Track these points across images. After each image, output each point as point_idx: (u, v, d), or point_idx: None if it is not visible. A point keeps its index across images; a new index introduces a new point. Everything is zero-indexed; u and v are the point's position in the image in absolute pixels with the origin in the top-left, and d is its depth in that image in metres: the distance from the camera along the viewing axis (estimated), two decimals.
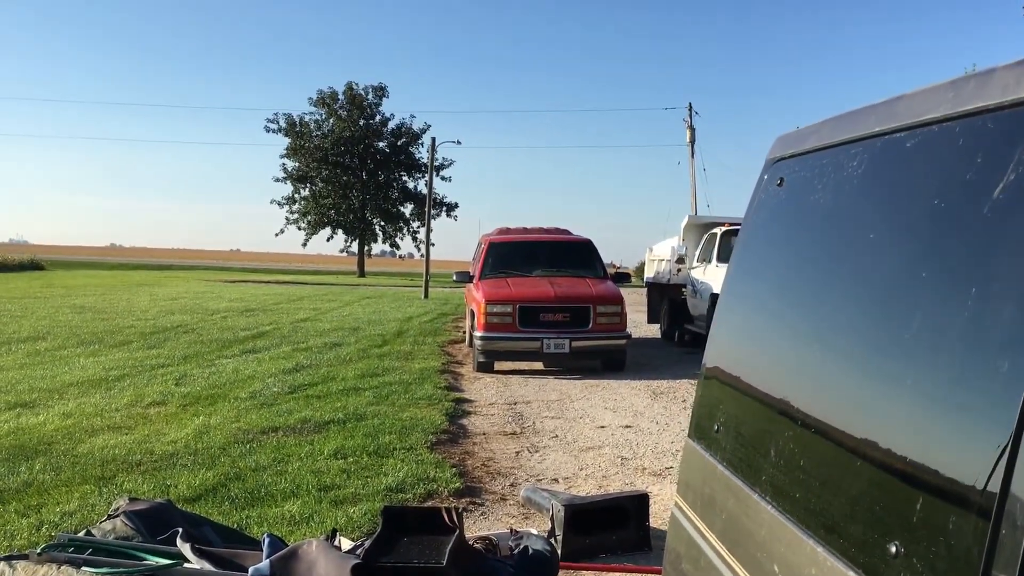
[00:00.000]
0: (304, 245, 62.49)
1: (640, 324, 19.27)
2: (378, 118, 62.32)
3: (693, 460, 1.94)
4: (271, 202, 62.55)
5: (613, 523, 5.16)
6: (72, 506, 5.35)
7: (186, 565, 3.67)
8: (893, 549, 1.13)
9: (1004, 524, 0.94)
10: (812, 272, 1.64)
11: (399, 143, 62.49)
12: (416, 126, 62.71)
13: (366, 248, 63.86)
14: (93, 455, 6.69)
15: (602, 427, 8.69)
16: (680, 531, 1.93)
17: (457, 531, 3.86)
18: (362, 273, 61.24)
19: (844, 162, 1.56)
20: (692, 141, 43.83)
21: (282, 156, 61.22)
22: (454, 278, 15.29)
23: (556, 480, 6.63)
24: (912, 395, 1.19)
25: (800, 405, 1.49)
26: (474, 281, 14.02)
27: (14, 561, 3.46)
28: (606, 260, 15.31)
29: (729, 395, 1.85)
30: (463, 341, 15.58)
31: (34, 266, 57.06)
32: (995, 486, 0.96)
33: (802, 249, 1.71)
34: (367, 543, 3.84)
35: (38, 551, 3.53)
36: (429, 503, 5.74)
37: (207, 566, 3.68)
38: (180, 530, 3.93)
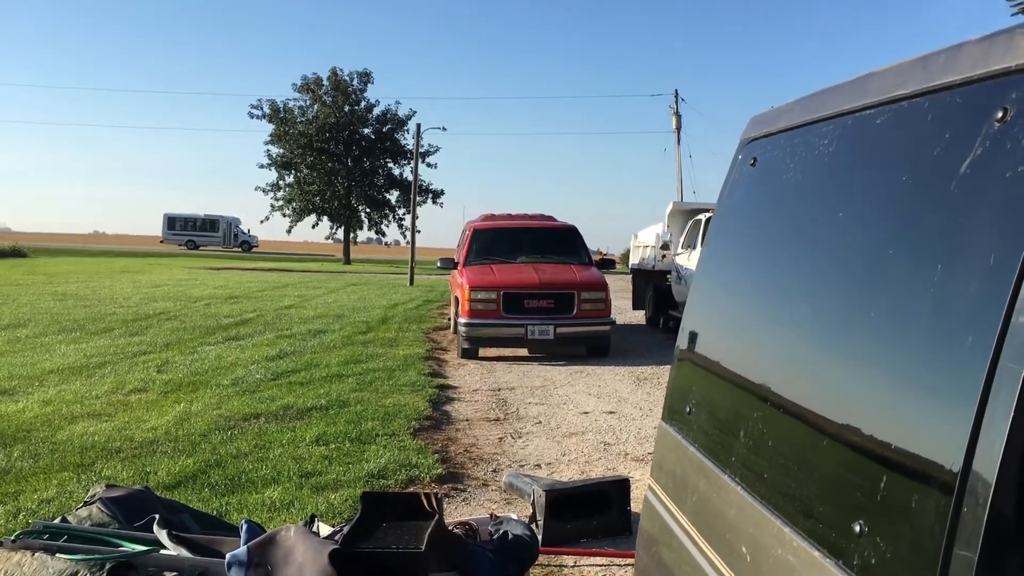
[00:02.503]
0: (289, 232, 62.17)
1: (625, 311, 19.30)
2: (363, 104, 61.94)
3: (666, 442, 1.93)
4: (256, 189, 62.19)
5: (594, 508, 5.17)
6: (50, 493, 5.31)
7: (162, 551, 3.65)
8: (857, 528, 1.12)
9: (966, 502, 0.93)
10: (783, 253, 1.63)
11: (384, 129, 62.16)
12: (401, 112, 62.40)
13: (352, 235, 63.61)
14: (72, 442, 6.64)
15: (586, 413, 8.69)
16: (653, 514, 1.92)
17: (436, 516, 3.85)
18: (348, 260, 61.01)
19: (815, 141, 1.54)
20: (678, 128, 43.87)
21: (266, 142, 60.81)
22: (438, 265, 15.26)
23: (539, 466, 6.63)
24: (877, 376, 1.18)
25: (769, 386, 1.48)
26: (458, 268, 13.99)
27: None
28: (593, 247, 15.30)
29: (701, 377, 1.84)
30: (448, 328, 15.56)
31: (16, 253, 56.51)
32: (957, 466, 0.95)
33: (774, 229, 1.70)
34: (345, 529, 3.82)
35: (12, 538, 3.49)
36: (411, 489, 5.73)
37: (183, 552, 3.66)
38: (157, 516, 3.91)
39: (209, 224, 71.70)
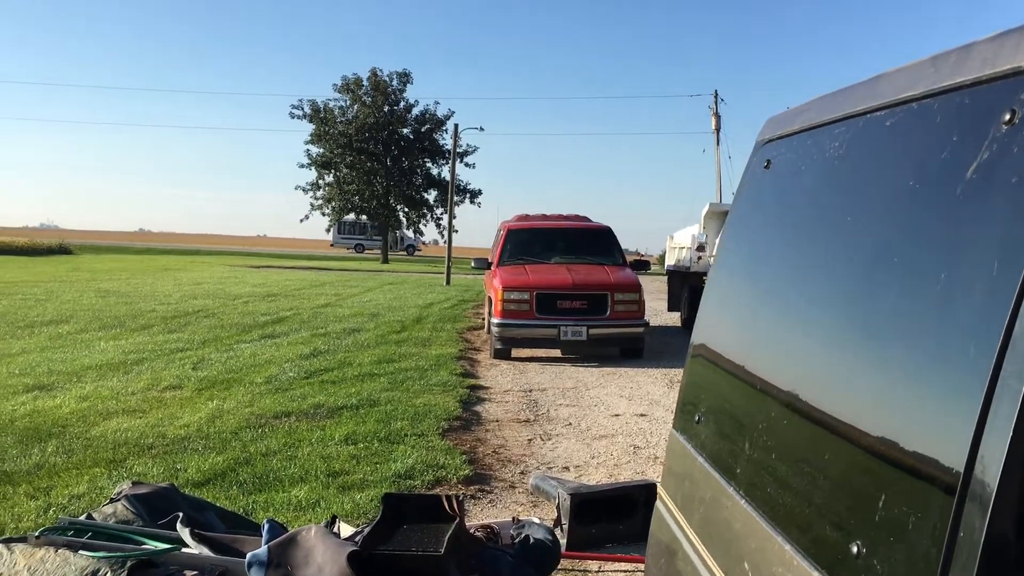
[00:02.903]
0: (328, 231, 62.66)
1: (660, 312, 19.16)
2: (402, 104, 62.25)
3: (676, 451, 1.88)
4: (296, 188, 62.76)
5: (621, 512, 5.11)
6: (81, 489, 5.37)
7: (184, 550, 3.67)
8: (855, 549, 1.07)
9: (963, 527, 0.88)
10: (792, 258, 1.58)
11: (423, 129, 62.42)
12: (440, 112, 62.62)
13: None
14: (106, 438, 6.72)
15: (616, 415, 8.63)
16: (662, 524, 1.87)
17: (457, 519, 3.82)
18: (386, 259, 61.36)
19: (827, 143, 1.49)
20: (717, 128, 43.50)
21: (307, 142, 61.38)
22: (472, 265, 15.25)
23: (567, 468, 6.59)
24: (880, 389, 1.13)
25: (776, 397, 1.43)
26: (492, 268, 13.97)
27: (12, 544, 3.46)
28: (631, 249, 15.25)
29: (710, 385, 1.79)
30: (482, 328, 15.55)
31: (62, 250, 57.71)
32: (953, 490, 0.90)
33: (785, 233, 1.65)
34: (366, 530, 3.81)
35: (36, 534, 3.53)
36: (438, 490, 5.72)
37: (205, 551, 3.67)
38: (180, 515, 3.93)
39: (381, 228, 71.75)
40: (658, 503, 1.97)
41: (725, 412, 1.68)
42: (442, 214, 61.19)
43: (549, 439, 7.52)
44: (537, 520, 4.38)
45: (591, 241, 14.42)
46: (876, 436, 1.09)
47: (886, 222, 1.23)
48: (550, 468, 6.54)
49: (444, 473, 6.10)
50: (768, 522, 1.34)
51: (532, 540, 3.99)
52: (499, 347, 12.48)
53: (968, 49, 1.14)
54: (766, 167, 1.78)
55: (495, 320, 12.44)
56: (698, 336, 1.92)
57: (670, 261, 19.45)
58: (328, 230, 62.42)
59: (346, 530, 4.11)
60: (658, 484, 2.00)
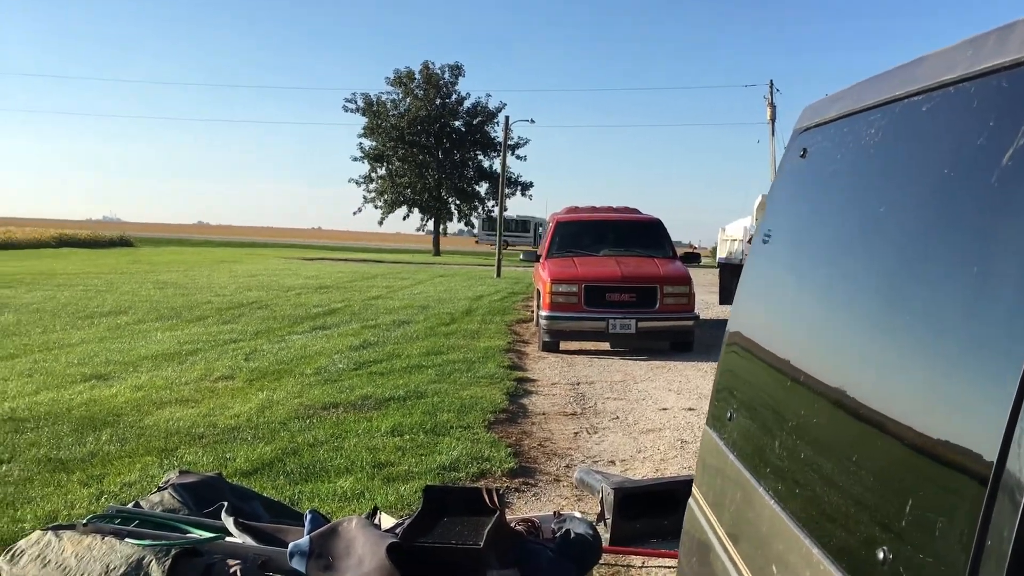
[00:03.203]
0: (380, 223, 63.17)
1: (712, 305, 18.95)
2: (454, 97, 62.48)
3: (708, 448, 1.84)
4: (349, 181, 63.39)
5: (665, 508, 5.05)
6: (132, 477, 5.48)
7: (228, 539, 3.71)
8: (881, 555, 1.02)
9: (991, 534, 0.83)
10: (829, 248, 1.52)
11: (475, 122, 62.56)
12: (491, 105, 62.70)
13: (441, 227, 64.25)
14: (158, 427, 6.85)
15: (664, 409, 8.54)
16: (694, 521, 1.83)
17: (498, 512, 3.81)
18: (437, 252, 61.68)
19: (863, 130, 1.43)
20: (773, 119, 42.82)
21: (359, 135, 61.92)
22: (521, 257, 15.23)
23: (613, 462, 6.54)
24: (914, 387, 1.08)
25: (806, 394, 1.38)
26: (541, 260, 13.93)
27: (61, 531, 3.54)
28: (684, 241, 15.08)
29: (742, 382, 1.74)
30: (531, 320, 15.53)
31: (124, 243, 59.19)
32: (981, 496, 0.85)
33: (822, 222, 1.59)
34: (406, 522, 3.82)
35: (84, 522, 3.60)
36: (482, 483, 5.72)
37: (248, 540, 3.71)
38: (226, 504, 3.98)
39: (521, 224, 71.95)
40: (691, 500, 1.93)
41: (756, 409, 1.64)
42: (493, 206, 61.30)
43: (595, 432, 7.48)
44: (578, 514, 4.34)
45: (641, 233, 14.29)
46: (905, 437, 1.04)
47: (924, 210, 1.18)
48: (596, 462, 6.50)
49: (489, 466, 6.09)
50: (796, 524, 1.29)
51: (573, 535, 3.96)
52: (547, 340, 12.44)
53: (1009, 29, 1.07)
54: (802, 156, 1.72)
55: (543, 313, 12.40)
56: (731, 331, 1.87)
57: (721, 253, 19.24)
58: (380, 223, 62.78)
59: (387, 521, 4.12)
60: (693, 483, 1.96)
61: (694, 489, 1.92)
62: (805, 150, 1.72)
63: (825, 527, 1.20)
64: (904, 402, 1.08)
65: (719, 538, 1.64)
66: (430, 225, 64.06)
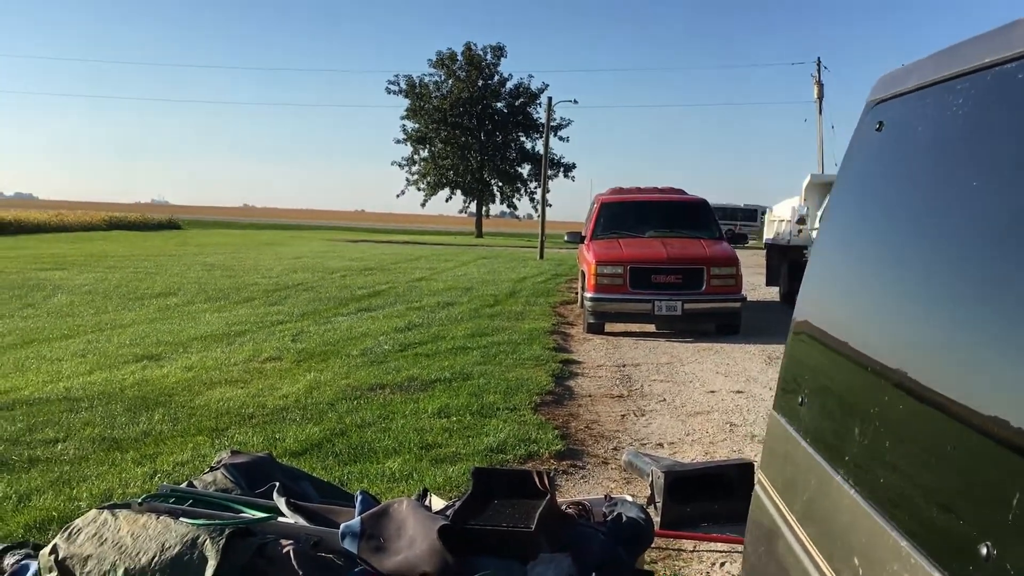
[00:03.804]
0: (423, 205, 63.43)
1: (758, 287, 18.71)
2: (496, 78, 62.38)
3: (776, 433, 1.77)
4: (392, 163, 63.64)
5: (716, 491, 4.98)
6: (185, 456, 5.54)
7: (280, 519, 3.72)
8: (984, 551, 0.96)
9: None
10: (911, 226, 1.45)
11: (517, 103, 62.41)
12: (534, 86, 62.49)
13: (484, 209, 64.30)
14: (209, 407, 6.92)
15: (712, 392, 8.45)
16: (762, 508, 1.77)
17: (548, 495, 3.78)
18: (480, 233, 61.74)
19: (949, 100, 1.35)
20: (820, 97, 42.14)
21: (402, 118, 62.10)
22: (565, 239, 15.15)
23: (661, 445, 6.47)
24: (1012, 371, 1.01)
25: (891, 379, 1.31)
26: (585, 242, 13.84)
27: (117, 510, 3.57)
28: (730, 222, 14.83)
29: (815, 364, 1.67)
30: (575, 302, 15.46)
31: (172, 225, 60.14)
32: None
33: (902, 198, 1.52)
34: (457, 504, 3.80)
35: (139, 501, 3.64)
36: (529, 465, 5.69)
37: (300, 521, 3.72)
38: (277, 484, 3.99)
39: (748, 213, 71.32)
40: (757, 486, 1.87)
41: (832, 394, 1.57)
42: (536, 188, 61.18)
43: (643, 415, 7.41)
44: (630, 498, 4.30)
45: (686, 214, 14.12)
46: (1009, 424, 0.97)
47: (1017, 185, 1.10)
48: (643, 444, 6.44)
49: (536, 448, 6.06)
50: (881, 515, 1.23)
51: (625, 518, 3.91)
52: (592, 322, 12.37)
53: None
54: (878, 129, 1.65)
55: (588, 294, 12.32)
56: (801, 312, 1.80)
57: (768, 234, 18.94)
58: (423, 204, 62.94)
59: (437, 503, 4.11)
60: (756, 467, 1.89)
61: (760, 474, 1.86)
62: (881, 123, 1.64)
63: (917, 519, 1.14)
64: (1007, 387, 1.02)
65: (790, 525, 1.58)
66: (472, 207, 64.14)
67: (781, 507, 1.66)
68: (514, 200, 64.15)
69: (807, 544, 1.48)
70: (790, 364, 1.83)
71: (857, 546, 1.29)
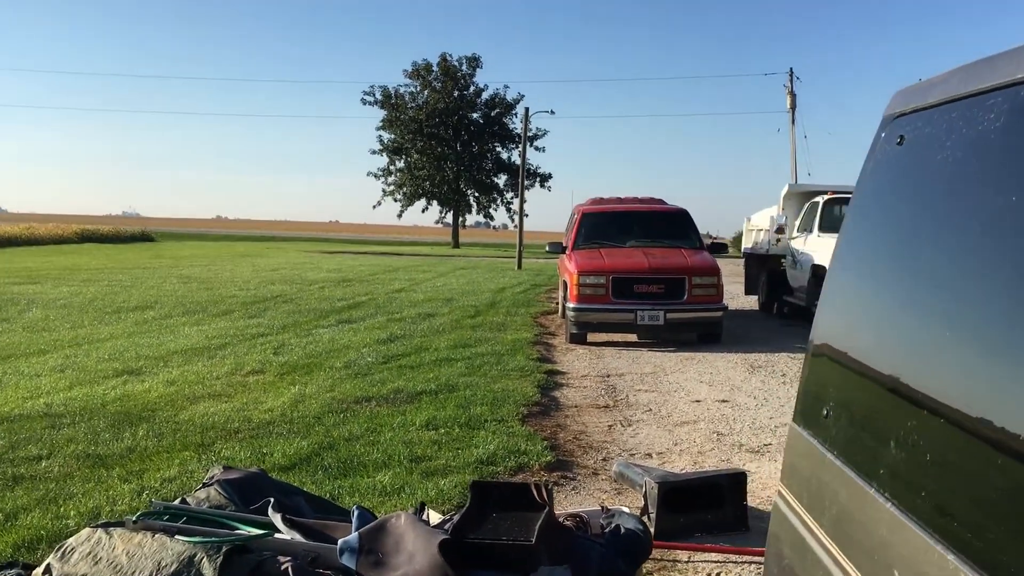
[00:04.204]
0: (399, 216, 63.29)
1: (737, 296, 18.83)
2: (472, 89, 62.49)
3: (798, 447, 1.78)
4: (368, 174, 63.50)
5: (709, 501, 4.99)
6: (172, 472, 5.47)
7: (277, 535, 3.68)
8: None
9: None
10: (938, 240, 1.46)
11: (493, 114, 62.54)
12: (510, 96, 62.64)
13: (460, 219, 64.29)
14: (194, 422, 6.85)
15: (697, 401, 8.47)
16: (784, 522, 1.77)
17: (547, 508, 3.77)
18: (456, 244, 61.72)
19: (978, 115, 1.37)
20: (793, 107, 42.49)
21: (378, 128, 62.01)
22: (547, 249, 15.16)
23: (650, 455, 6.48)
24: None
25: (927, 390, 1.32)
26: (567, 252, 13.86)
27: (111, 528, 3.52)
28: (702, 230, 14.92)
29: (841, 377, 1.68)
30: (556, 312, 15.47)
31: (145, 238, 59.65)
32: None
33: (926, 213, 1.53)
34: (455, 518, 3.78)
35: (134, 519, 3.58)
36: (520, 477, 5.68)
37: (297, 537, 3.69)
38: (272, 500, 3.95)
39: None
40: (778, 499, 1.87)
41: (862, 407, 1.57)
42: (512, 198, 61.27)
43: (630, 425, 7.42)
44: (627, 509, 4.29)
45: (667, 224, 14.19)
46: None
47: None
48: (632, 455, 6.44)
49: (526, 459, 6.05)
50: (923, 528, 1.23)
51: (623, 530, 3.91)
52: (575, 332, 12.38)
53: None
54: (899, 143, 1.66)
55: (571, 305, 12.34)
56: (822, 325, 1.80)
57: (747, 243, 19.09)
58: (399, 215, 62.76)
59: (434, 517, 4.09)
60: (779, 482, 1.89)
61: (781, 488, 1.86)
62: (902, 137, 1.65)
63: (962, 531, 1.15)
64: None
65: (819, 540, 1.58)
66: (448, 217, 64.10)
67: (807, 520, 1.66)
68: (490, 210, 64.21)
69: (839, 558, 1.48)
70: (812, 377, 1.84)
71: (897, 559, 1.29)
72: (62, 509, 4.76)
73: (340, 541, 3.56)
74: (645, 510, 4.90)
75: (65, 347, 10.67)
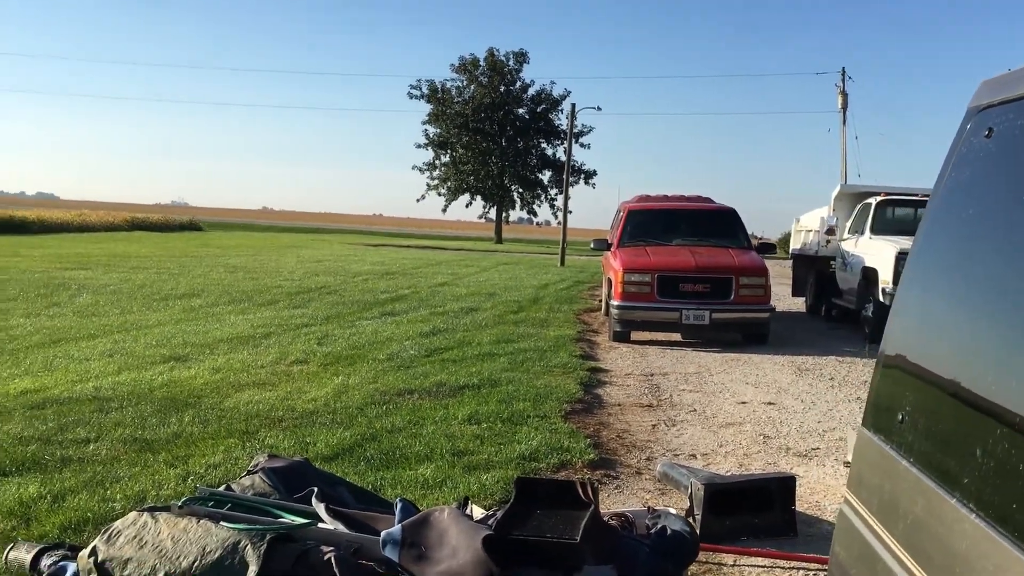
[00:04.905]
0: (444, 211, 63.50)
1: (784, 297, 18.57)
2: (518, 84, 62.43)
3: (869, 453, 1.70)
4: (412, 168, 63.75)
5: (755, 505, 4.90)
6: (217, 459, 5.50)
7: (320, 525, 3.68)
8: None
9: None
10: None
11: (539, 109, 62.43)
12: (556, 92, 62.49)
13: (504, 215, 64.31)
14: (238, 409, 6.89)
15: (743, 403, 8.34)
16: (851, 530, 1.70)
17: (592, 506, 3.71)
18: (499, 239, 61.74)
19: None
20: (844, 107, 41.76)
21: (424, 122, 62.22)
22: (592, 246, 15.06)
23: (694, 456, 6.39)
24: None
25: (1020, 398, 1.24)
26: (612, 249, 13.76)
27: (157, 513, 3.53)
28: (749, 231, 14.71)
29: (919, 382, 1.60)
30: (599, 310, 15.37)
31: (193, 227, 60.55)
32: None
33: (1019, 210, 1.44)
34: (499, 513, 3.74)
35: (179, 504, 3.60)
36: (563, 474, 5.62)
37: (340, 527, 3.67)
38: (316, 489, 3.94)
39: None
40: (845, 506, 1.79)
41: (943, 413, 1.49)
42: (556, 195, 61.18)
43: (674, 425, 7.33)
44: (673, 511, 4.22)
45: (715, 223, 14.01)
46: None
47: None
48: (676, 455, 6.35)
49: (569, 457, 5.99)
50: (1015, 544, 1.15)
51: (669, 531, 3.84)
52: (618, 330, 12.28)
53: None
54: (987, 136, 1.57)
55: (615, 302, 12.23)
56: (897, 327, 1.72)
57: (795, 244, 18.80)
58: (444, 210, 63.00)
59: (477, 512, 4.05)
60: (846, 488, 1.82)
61: (848, 495, 1.79)
62: (991, 129, 1.56)
63: None
64: None
65: (890, 550, 1.51)
66: (492, 213, 64.16)
67: (878, 530, 1.58)
68: (534, 206, 64.15)
69: (913, 569, 1.41)
70: (885, 382, 1.75)
71: (982, 573, 1.22)
72: (108, 492, 4.80)
73: (383, 533, 3.53)
74: (690, 512, 4.81)
75: (114, 332, 10.83)
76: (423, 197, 63.99)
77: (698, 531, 4.61)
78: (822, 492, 5.60)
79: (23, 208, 55.76)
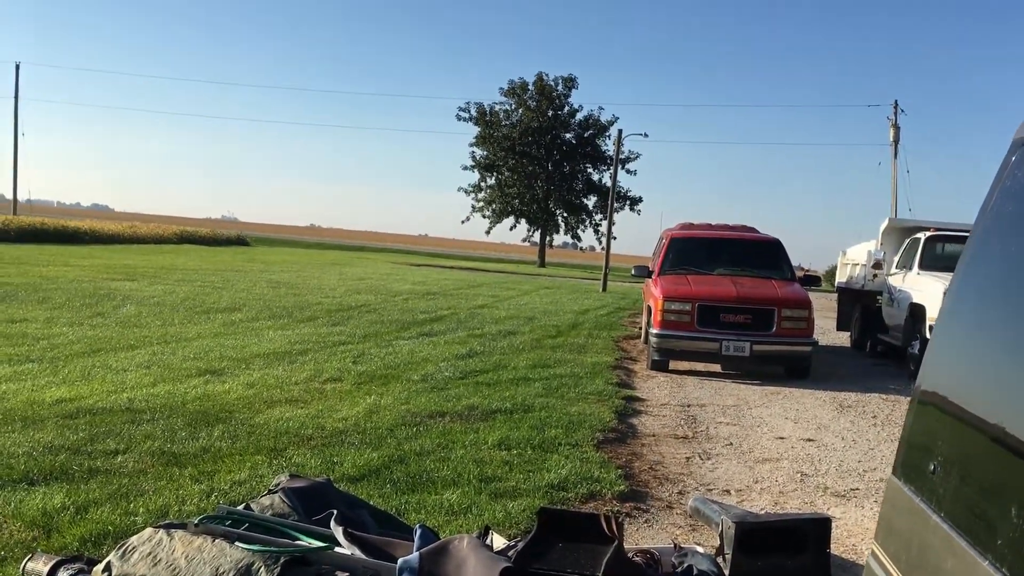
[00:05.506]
0: (488, 233, 63.67)
1: (828, 331, 18.22)
2: (566, 109, 62.54)
3: (898, 503, 1.59)
4: (458, 190, 64.10)
5: (788, 546, 4.72)
6: (242, 475, 5.47)
7: (337, 549, 3.61)
8: None
9: None
10: None
11: (586, 135, 62.48)
12: (604, 118, 62.47)
13: (548, 239, 64.28)
14: (268, 426, 6.87)
15: (781, 438, 8.14)
16: None
17: (616, 541, 3.59)
18: (543, 263, 61.68)
19: None
20: (896, 140, 41.24)
21: (471, 144, 62.59)
22: (632, 272, 14.92)
23: (728, 492, 6.22)
24: None
25: None
26: (653, 276, 13.61)
27: (173, 530, 3.49)
28: (793, 262, 14.48)
29: (953, 429, 1.49)
30: (639, 337, 15.20)
31: (240, 242, 61.43)
32: None
33: None
34: (520, 544, 3.64)
35: (196, 522, 3.55)
36: (591, 505, 5.50)
37: (357, 552, 3.60)
38: (335, 512, 3.88)
39: None
40: (871, 559, 1.68)
41: (979, 466, 1.38)
42: (601, 220, 61.05)
43: (708, 459, 7.16)
44: (701, 549, 4.08)
45: (758, 253, 13.80)
46: None
47: None
48: (710, 490, 6.19)
49: (598, 487, 5.86)
50: None
51: (696, 571, 3.71)
52: (656, 358, 12.11)
53: None
54: None
55: (654, 330, 12.07)
56: (931, 370, 1.61)
57: (841, 278, 18.47)
58: (488, 232, 63.16)
59: (499, 542, 3.96)
60: (872, 540, 1.70)
61: (875, 547, 1.67)
62: None
63: None
64: None
65: None
66: (536, 236, 64.17)
67: None
68: (578, 231, 64.05)
69: None
70: (917, 428, 1.64)
71: None
72: (132, 505, 4.79)
73: (400, 560, 3.45)
74: (720, 550, 4.66)
75: (154, 344, 10.92)
76: (468, 219, 64.28)
77: (727, 571, 4.47)
78: (859, 535, 5.40)
79: (76, 219, 56.95)
